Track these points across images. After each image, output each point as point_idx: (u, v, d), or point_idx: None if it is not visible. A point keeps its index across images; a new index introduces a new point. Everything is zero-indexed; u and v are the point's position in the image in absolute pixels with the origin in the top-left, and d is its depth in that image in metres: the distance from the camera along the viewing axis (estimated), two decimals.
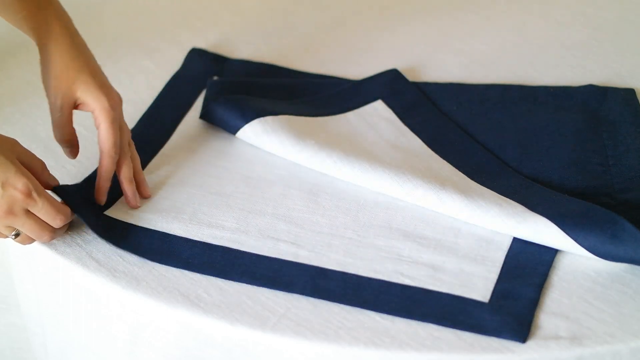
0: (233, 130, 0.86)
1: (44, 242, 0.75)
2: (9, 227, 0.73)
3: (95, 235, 0.77)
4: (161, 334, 0.73)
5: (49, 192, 0.77)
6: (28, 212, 0.72)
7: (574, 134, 0.85)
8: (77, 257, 0.76)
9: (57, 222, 0.74)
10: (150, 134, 0.88)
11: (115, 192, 0.81)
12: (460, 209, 0.77)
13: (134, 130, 0.88)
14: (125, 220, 0.79)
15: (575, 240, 0.73)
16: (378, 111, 0.90)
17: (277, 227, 0.78)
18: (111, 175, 0.79)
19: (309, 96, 0.92)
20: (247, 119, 0.85)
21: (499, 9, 1.07)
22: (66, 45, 0.80)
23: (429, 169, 0.81)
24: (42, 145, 0.87)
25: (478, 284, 0.72)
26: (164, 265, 0.75)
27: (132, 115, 0.90)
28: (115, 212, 0.79)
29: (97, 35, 1.03)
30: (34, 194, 0.72)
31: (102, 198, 0.79)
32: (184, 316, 0.71)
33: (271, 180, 0.83)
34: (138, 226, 0.78)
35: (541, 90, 0.91)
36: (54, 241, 0.77)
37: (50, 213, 0.73)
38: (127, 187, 0.79)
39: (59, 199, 0.76)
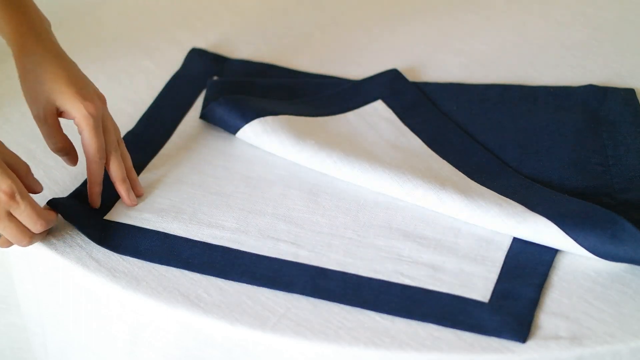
0: (233, 130, 0.86)
1: (22, 246, 0.74)
2: None
3: None
4: (161, 334, 0.73)
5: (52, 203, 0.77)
6: (10, 215, 0.72)
7: (574, 134, 0.85)
8: (77, 257, 0.76)
9: (37, 227, 0.73)
10: (150, 134, 0.88)
11: (114, 195, 0.81)
12: (460, 209, 0.77)
13: (134, 131, 0.88)
14: (125, 222, 0.79)
15: (575, 240, 0.73)
16: (378, 111, 0.90)
17: (277, 227, 0.78)
18: (100, 179, 0.79)
19: (309, 96, 0.92)
20: (247, 119, 0.85)
21: (499, 9, 1.07)
22: (39, 56, 0.79)
23: (429, 169, 0.81)
24: (42, 145, 0.87)
25: (478, 284, 0.72)
26: (164, 265, 0.75)
27: (132, 115, 0.90)
28: (115, 215, 0.79)
29: (97, 35, 1.04)
30: (17, 197, 0.71)
31: (96, 202, 0.79)
32: (184, 316, 0.71)
33: (271, 180, 0.83)
34: (138, 227, 0.78)
35: (541, 90, 0.91)
36: (54, 241, 0.77)
37: (32, 217, 0.72)
38: (121, 186, 0.79)
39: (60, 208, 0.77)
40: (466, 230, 0.77)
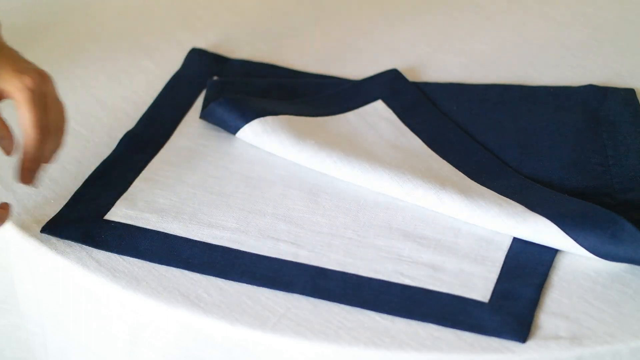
0: (233, 130, 0.86)
1: None
2: None
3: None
4: (161, 334, 0.73)
5: (43, 233, 0.77)
6: None
7: (574, 134, 0.85)
8: (77, 257, 0.76)
9: None
10: (150, 134, 0.88)
11: (113, 194, 0.81)
12: (460, 209, 0.77)
13: (133, 131, 0.88)
14: (125, 222, 0.79)
15: (575, 240, 0.73)
16: (378, 111, 0.90)
17: (277, 227, 0.78)
18: (36, 156, 0.75)
19: (309, 96, 0.92)
20: (247, 119, 0.85)
21: (499, 9, 1.07)
22: None
23: (429, 169, 0.81)
24: None
25: (478, 284, 0.72)
26: (164, 265, 0.75)
27: (132, 115, 0.90)
28: (115, 215, 0.79)
29: (97, 35, 1.04)
30: None
31: (28, 179, 0.75)
32: (184, 316, 0.71)
33: (271, 180, 0.83)
34: (138, 227, 0.78)
35: (541, 90, 0.91)
36: (53, 241, 0.77)
37: None
38: (30, 163, 0.74)
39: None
40: (466, 230, 0.77)
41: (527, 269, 0.73)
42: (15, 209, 0.80)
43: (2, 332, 0.87)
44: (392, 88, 0.92)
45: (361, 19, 1.06)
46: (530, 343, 0.68)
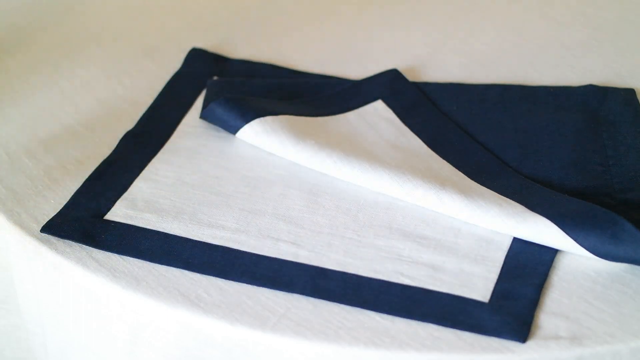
0: (233, 130, 0.86)
1: None
2: None
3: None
4: (161, 334, 0.73)
5: (43, 233, 0.77)
6: None
7: (574, 134, 0.85)
8: (77, 257, 0.76)
9: None
10: (150, 134, 0.88)
11: (113, 194, 0.81)
12: (460, 209, 0.77)
13: (133, 130, 0.88)
14: (125, 222, 0.79)
15: (575, 240, 0.73)
16: (378, 111, 0.90)
17: (277, 227, 0.78)
18: None
19: (309, 96, 0.92)
20: (247, 119, 0.85)
21: (499, 9, 1.07)
22: None
23: (429, 169, 0.81)
24: (42, 145, 0.87)
25: (478, 284, 0.72)
26: (164, 265, 0.75)
27: (132, 115, 0.90)
28: (115, 215, 0.79)
29: (97, 35, 1.04)
30: None
31: None
32: (184, 316, 0.71)
33: (271, 180, 0.83)
34: (138, 227, 0.78)
35: (541, 90, 0.91)
36: (53, 241, 0.77)
37: None
38: None
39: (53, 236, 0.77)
40: (466, 230, 0.77)
41: (527, 269, 0.73)
42: (15, 208, 0.80)
43: (2, 332, 0.87)
44: (392, 88, 0.92)
45: (361, 19, 1.06)
46: (530, 343, 0.68)
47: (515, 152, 0.84)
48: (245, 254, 0.75)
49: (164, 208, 0.80)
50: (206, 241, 0.77)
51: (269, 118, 0.85)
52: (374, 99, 0.91)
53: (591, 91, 0.90)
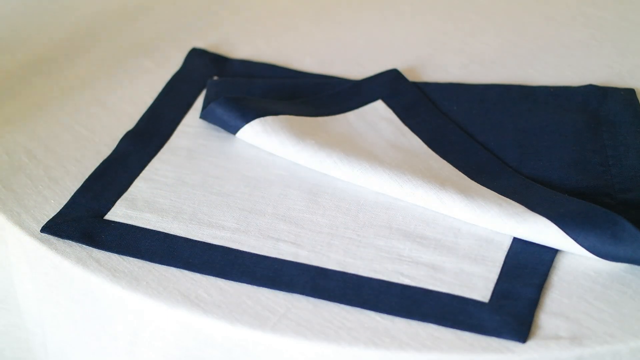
0: (233, 130, 0.86)
1: None
2: None
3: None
4: (161, 334, 0.73)
5: (43, 233, 0.77)
6: None
7: (574, 134, 0.85)
8: (77, 257, 0.76)
9: None
10: (150, 134, 0.88)
11: (113, 194, 0.81)
12: (460, 209, 0.77)
13: (133, 130, 0.88)
14: (125, 222, 0.79)
15: (575, 240, 0.73)
16: (378, 111, 0.90)
17: (277, 227, 0.78)
18: None
19: (309, 96, 0.92)
20: (247, 119, 0.85)
21: (499, 9, 1.07)
22: None
23: (429, 169, 0.81)
24: (42, 145, 0.87)
25: (478, 284, 0.72)
26: (164, 265, 0.75)
27: (132, 115, 0.90)
28: (115, 215, 0.79)
29: (97, 36, 1.04)
30: None
31: None
32: (184, 316, 0.71)
33: (271, 180, 0.83)
34: (138, 227, 0.78)
35: (541, 90, 0.91)
36: (53, 241, 0.77)
37: None
38: None
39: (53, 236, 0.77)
40: (466, 230, 0.77)
41: (527, 269, 0.73)
42: (15, 208, 0.80)
43: (2, 332, 0.87)
44: (392, 88, 0.92)
45: (361, 19, 1.06)
46: (530, 343, 0.68)
47: (515, 152, 0.84)
48: (245, 254, 0.75)
49: (164, 208, 0.80)
50: (206, 241, 0.77)
51: (269, 118, 0.85)
52: (374, 99, 0.91)
53: (591, 91, 0.90)
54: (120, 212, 0.80)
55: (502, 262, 0.74)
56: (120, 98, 0.93)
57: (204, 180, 0.83)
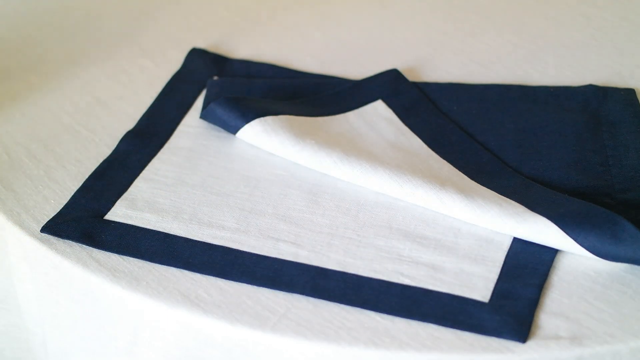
0: (233, 130, 0.86)
1: None
2: None
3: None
4: (161, 334, 0.73)
5: (43, 233, 0.77)
6: None
7: (574, 134, 0.85)
8: (77, 257, 0.76)
9: None
10: (150, 134, 0.88)
11: (113, 194, 0.81)
12: (461, 209, 0.77)
13: (133, 131, 0.88)
14: (125, 222, 0.79)
15: (575, 240, 0.73)
16: (378, 111, 0.90)
17: (277, 227, 0.78)
18: None
19: (309, 96, 0.92)
20: (247, 119, 0.85)
21: (499, 9, 1.07)
22: None
23: (429, 169, 0.81)
24: (42, 145, 0.87)
25: (478, 284, 0.72)
26: (164, 265, 0.75)
27: (132, 115, 0.90)
28: (115, 215, 0.79)
29: (97, 35, 1.04)
30: None
31: None
32: (184, 316, 0.71)
33: (271, 180, 0.83)
34: (138, 227, 0.78)
35: (541, 90, 0.91)
36: (53, 241, 0.77)
37: None
38: None
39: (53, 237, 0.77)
40: (466, 230, 0.77)
41: (527, 269, 0.73)
42: (15, 208, 0.80)
43: (2, 332, 0.87)
44: (392, 88, 0.92)
45: (361, 19, 1.06)
46: (530, 343, 0.68)
47: (515, 152, 0.84)
48: (245, 254, 0.75)
49: (164, 208, 0.80)
50: (206, 241, 0.77)
51: (269, 118, 0.85)
52: (374, 99, 0.91)
53: (591, 91, 0.90)
54: (120, 212, 0.80)
55: (502, 262, 0.74)
56: (120, 98, 0.93)
57: (204, 180, 0.83)
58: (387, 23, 1.05)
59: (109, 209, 0.80)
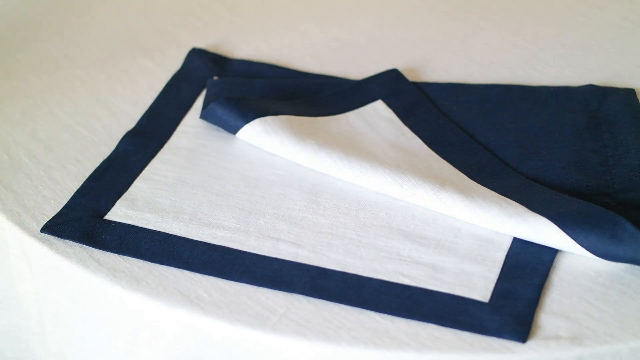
0: (233, 130, 0.86)
1: None
2: None
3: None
4: (161, 334, 0.73)
5: (43, 233, 0.77)
6: None
7: (574, 134, 0.85)
8: (77, 257, 0.76)
9: None
10: (151, 134, 0.88)
11: (113, 194, 0.81)
12: (460, 209, 0.77)
13: (133, 131, 0.88)
14: (125, 222, 0.79)
15: (576, 240, 0.73)
16: (378, 111, 0.90)
17: (277, 227, 0.78)
18: None
19: (309, 96, 0.92)
20: (247, 119, 0.85)
21: (499, 9, 1.07)
22: None
23: (429, 169, 0.81)
24: (42, 145, 0.87)
25: (478, 284, 0.72)
26: (164, 265, 0.75)
27: (132, 115, 0.90)
28: (115, 215, 0.79)
29: (97, 35, 1.04)
30: None
31: None
32: (184, 316, 0.71)
33: (271, 180, 0.83)
34: (138, 227, 0.78)
35: (541, 90, 0.91)
36: (53, 241, 0.77)
37: None
38: None
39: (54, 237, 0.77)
40: (466, 230, 0.77)
41: (527, 269, 0.73)
42: (15, 208, 0.80)
43: (2, 332, 0.87)
44: (392, 88, 0.92)
45: (361, 19, 1.06)
46: (530, 343, 0.68)
47: (515, 152, 0.84)
48: (245, 254, 0.75)
49: (164, 208, 0.80)
50: (206, 241, 0.77)
51: (269, 118, 0.85)
52: (374, 99, 0.91)
53: (591, 91, 0.90)
54: (120, 212, 0.80)
55: (502, 262, 0.74)
56: (120, 98, 0.93)
57: (204, 180, 0.83)
58: (387, 23, 1.05)
59: (109, 209, 0.80)
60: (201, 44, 1.00)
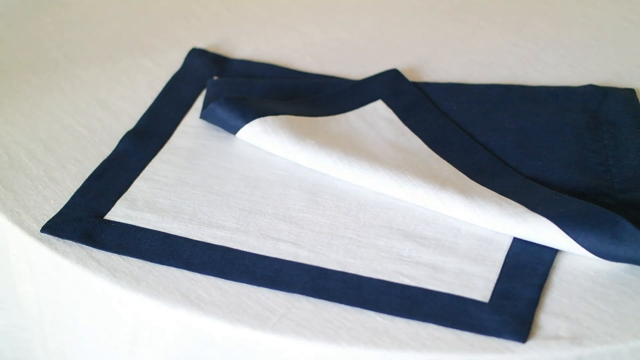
0: (233, 130, 0.86)
1: None
2: None
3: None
4: (161, 334, 0.73)
5: (43, 233, 0.77)
6: None
7: (574, 134, 0.85)
8: (77, 257, 0.76)
9: None
10: (150, 134, 0.88)
11: (113, 194, 0.81)
12: (460, 209, 0.77)
13: (133, 131, 0.88)
14: (125, 222, 0.79)
15: (576, 240, 0.73)
16: (378, 111, 0.90)
17: (277, 227, 0.78)
18: None
19: (309, 96, 0.92)
20: (247, 119, 0.85)
21: (499, 9, 1.07)
22: None
23: (429, 169, 0.81)
24: (42, 145, 0.87)
25: (478, 284, 0.72)
26: (164, 265, 0.75)
27: (132, 115, 0.90)
28: (115, 215, 0.79)
29: (97, 35, 1.04)
30: None
31: None
32: (184, 316, 0.71)
33: (271, 180, 0.83)
34: (138, 227, 0.78)
35: (541, 90, 0.91)
36: (53, 241, 0.77)
37: None
38: None
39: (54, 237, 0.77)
40: (466, 230, 0.77)
41: (527, 269, 0.73)
42: (15, 208, 0.80)
43: (2, 332, 0.87)
44: (392, 88, 0.92)
45: (361, 19, 1.06)
46: (530, 343, 0.68)
47: (515, 152, 0.84)
48: (245, 254, 0.75)
49: (164, 208, 0.80)
50: (206, 241, 0.77)
51: (269, 118, 0.85)
52: (374, 99, 0.91)
53: (591, 91, 0.90)
54: (120, 212, 0.80)
55: (502, 262, 0.74)
56: (120, 98, 0.93)
57: (204, 180, 0.83)
58: (387, 23, 1.05)
59: (109, 209, 0.80)
60: (201, 44, 1.01)
